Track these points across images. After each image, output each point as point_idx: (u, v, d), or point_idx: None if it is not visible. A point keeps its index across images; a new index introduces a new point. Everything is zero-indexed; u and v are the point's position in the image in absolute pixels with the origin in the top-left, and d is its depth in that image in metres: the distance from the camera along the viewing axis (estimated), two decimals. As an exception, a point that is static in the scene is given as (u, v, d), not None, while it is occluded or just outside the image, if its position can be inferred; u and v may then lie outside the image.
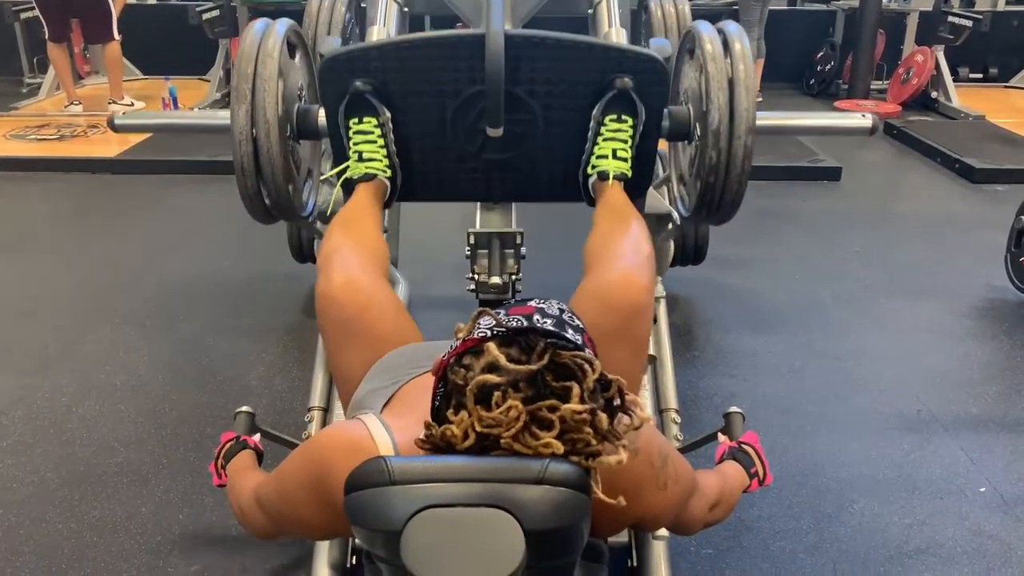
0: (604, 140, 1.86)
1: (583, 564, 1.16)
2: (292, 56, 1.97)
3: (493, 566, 0.91)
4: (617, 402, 1.02)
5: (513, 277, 2.30)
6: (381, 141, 1.86)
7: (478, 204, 2.38)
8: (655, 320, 2.02)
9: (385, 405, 1.26)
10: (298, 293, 3.32)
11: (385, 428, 1.11)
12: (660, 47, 1.93)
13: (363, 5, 2.80)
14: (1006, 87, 7.14)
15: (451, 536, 0.92)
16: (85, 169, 4.89)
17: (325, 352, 1.60)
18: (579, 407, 0.95)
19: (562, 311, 1.06)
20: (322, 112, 1.92)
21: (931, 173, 5.08)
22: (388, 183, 1.88)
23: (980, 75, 7.15)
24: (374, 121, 1.84)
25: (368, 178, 1.85)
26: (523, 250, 2.29)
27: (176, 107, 5.92)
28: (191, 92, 6.16)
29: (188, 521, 2.11)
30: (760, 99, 6.63)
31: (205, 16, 6.04)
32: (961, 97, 6.34)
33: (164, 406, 2.59)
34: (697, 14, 2.53)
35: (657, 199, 2.46)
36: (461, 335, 1.05)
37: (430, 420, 1.02)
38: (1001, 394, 2.71)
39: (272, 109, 1.79)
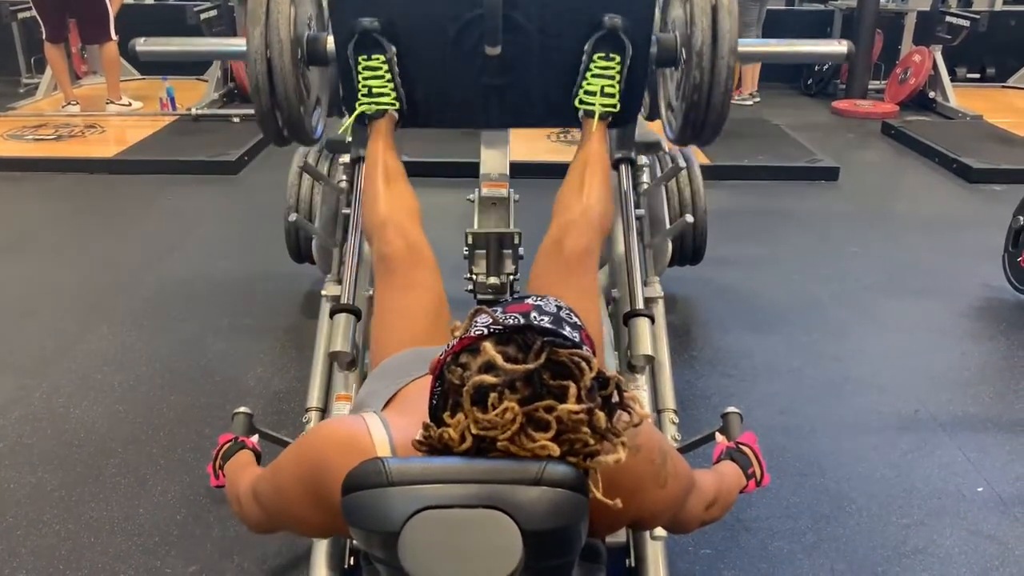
0: (593, 76, 2.05)
1: (581, 564, 1.16)
2: None
3: (491, 567, 0.91)
4: (615, 399, 1.01)
5: (511, 277, 2.30)
6: (388, 76, 2.07)
7: (476, 203, 2.38)
8: (653, 320, 2.03)
9: (386, 405, 1.26)
10: (296, 293, 3.32)
11: (384, 426, 1.11)
12: None
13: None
14: (1004, 87, 7.15)
15: (449, 537, 0.92)
16: (83, 169, 4.88)
17: (375, 313, 1.80)
18: (576, 407, 0.95)
19: (559, 308, 1.05)
20: (330, 39, 2.09)
21: (929, 173, 5.08)
22: (397, 114, 2.11)
23: (978, 75, 7.16)
24: (381, 58, 2.05)
25: (380, 114, 2.08)
26: (521, 250, 2.30)
27: (174, 107, 5.92)
28: (189, 92, 6.15)
29: (186, 522, 2.11)
30: (758, 99, 6.65)
31: (203, 16, 6.05)
32: (959, 97, 6.35)
33: (162, 406, 2.59)
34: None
35: (646, 128, 2.59)
36: (458, 333, 1.04)
37: (428, 422, 1.02)
38: (999, 394, 2.71)
39: (285, 31, 1.95)
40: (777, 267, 3.65)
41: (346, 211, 2.54)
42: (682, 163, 2.71)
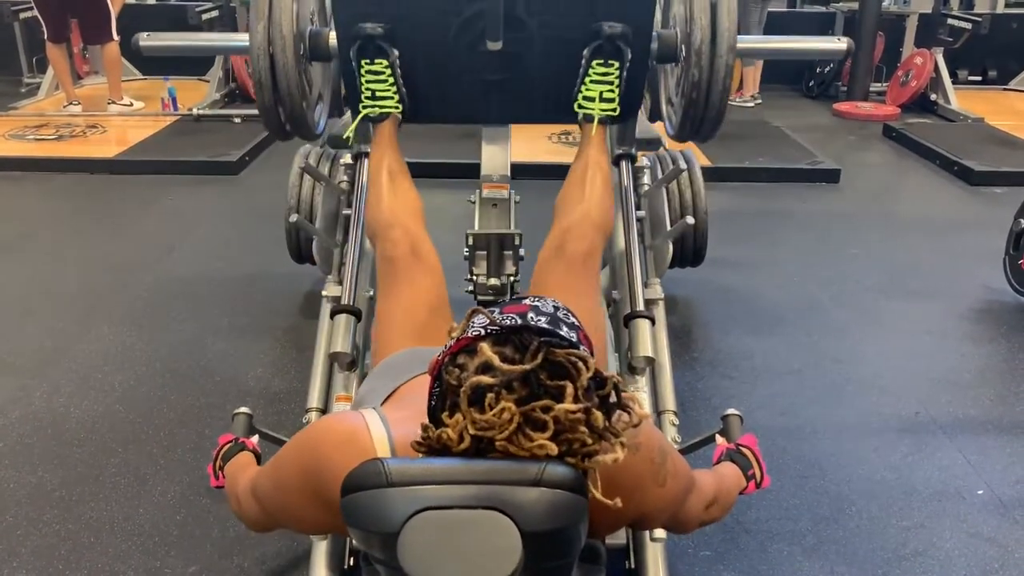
0: (592, 82, 2.06)
1: (581, 566, 1.16)
2: None
3: (490, 568, 0.91)
4: (613, 399, 1.01)
5: (511, 279, 2.30)
6: (391, 80, 2.09)
7: (477, 205, 2.38)
8: (653, 322, 2.03)
9: (384, 401, 1.26)
10: (296, 293, 3.32)
11: (383, 422, 1.11)
12: None
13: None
14: (1005, 89, 7.15)
15: (448, 538, 0.92)
16: (83, 169, 4.89)
17: (377, 311, 1.82)
18: (573, 407, 0.95)
19: (556, 308, 1.05)
20: (332, 35, 2.10)
21: (930, 175, 5.08)
22: (400, 115, 2.14)
23: (979, 77, 7.16)
24: (384, 62, 2.07)
25: (383, 117, 2.11)
26: (522, 252, 2.30)
27: (175, 108, 5.93)
28: (190, 93, 6.16)
29: (185, 522, 2.11)
30: (759, 101, 6.65)
31: (204, 16, 6.05)
32: (960, 99, 6.35)
33: (162, 407, 2.59)
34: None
35: (646, 125, 2.58)
36: (455, 334, 1.05)
37: (427, 422, 1.02)
38: (999, 397, 2.71)
39: (288, 26, 1.96)
40: (778, 269, 3.65)
41: (347, 212, 2.54)
42: (683, 165, 2.71)
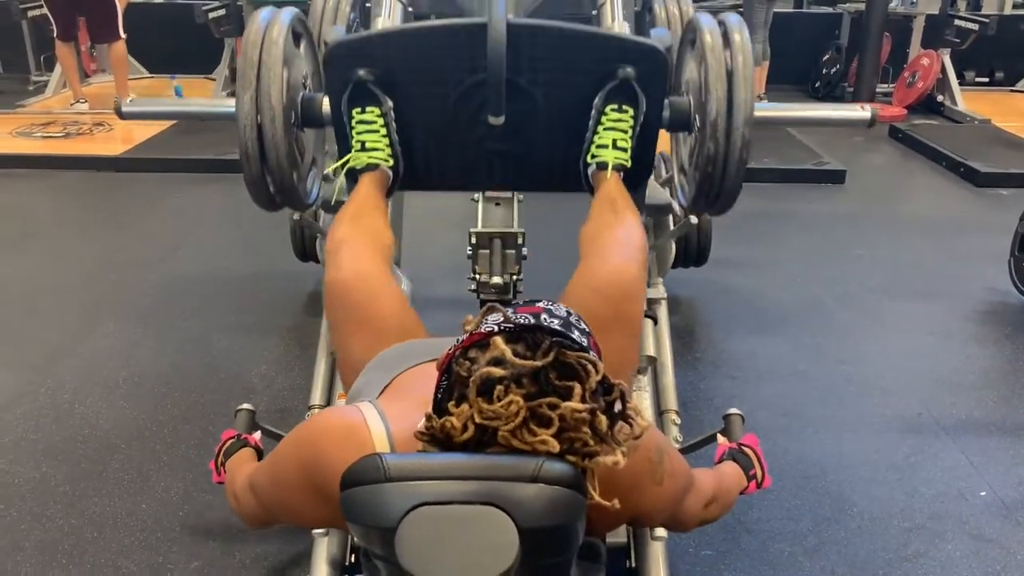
0: (605, 129, 1.85)
1: (581, 564, 1.16)
2: (297, 45, 1.98)
3: (487, 563, 0.91)
4: (618, 408, 1.02)
5: (514, 277, 2.30)
6: (384, 131, 1.86)
7: (480, 203, 2.39)
8: (656, 322, 2.03)
9: (382, 393, 1.26)
10: (301, 292, 3.33)
11: (381, 416, 1.12)
12: (660, 37, 1.94)
13: (367, 5, 2.81)
14: (1012, 91, 7.13)
15: (445, 533, 0.92)
16: (90, 167, 4.91)
17: (331, 340, 1.61)
18: (579, 406, 0.96)
19: (569, 313, 1.07)
20: (326, 100, 1.93)
21: (936, 176, 5.07)
22: (391, 172, 1.89)
23: (986, 79, 7.14)
24: (377, 111, 1.85)
25: (371, 168, 1.85)
26: (525, 250, 2.30)
27: (182, 106, 5.93)
28: (197, 90, 6.18)
29: (188, 518, 2.12)
30: (765, 101, 6.63)
31: (211, 15, 6.06)
32: (967, 101, 6.33)
33: (166, 403, 2.60)
34: (701, 15, 2.53)
35: (658, 190, 2.48)
36: (469, 328, 1.06)
37: (431, 412, 1.03)
38: (1003, 398, 2.70)
39: (277, 96, 1.80)
40: (782, 269, 3.65)
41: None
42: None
